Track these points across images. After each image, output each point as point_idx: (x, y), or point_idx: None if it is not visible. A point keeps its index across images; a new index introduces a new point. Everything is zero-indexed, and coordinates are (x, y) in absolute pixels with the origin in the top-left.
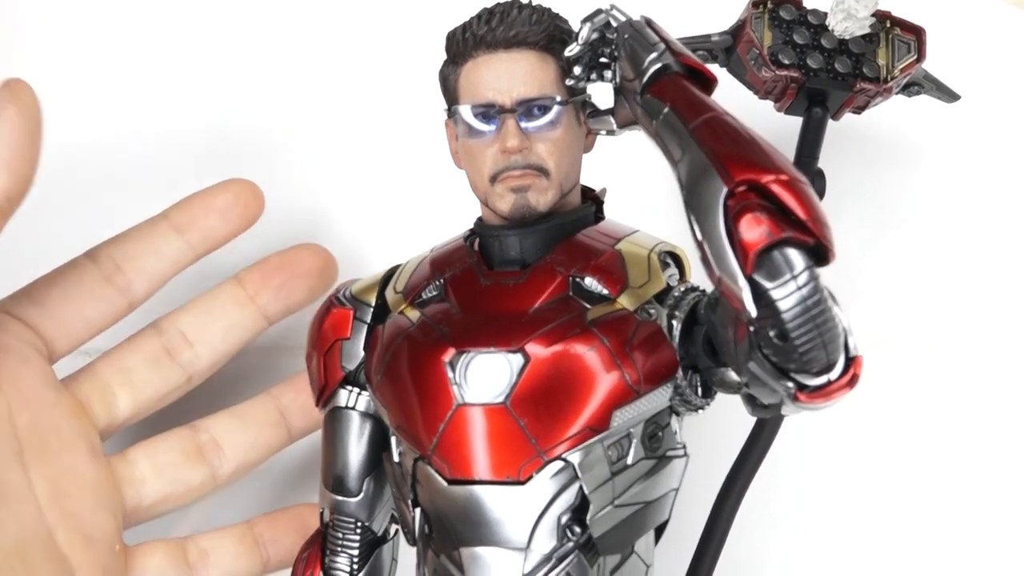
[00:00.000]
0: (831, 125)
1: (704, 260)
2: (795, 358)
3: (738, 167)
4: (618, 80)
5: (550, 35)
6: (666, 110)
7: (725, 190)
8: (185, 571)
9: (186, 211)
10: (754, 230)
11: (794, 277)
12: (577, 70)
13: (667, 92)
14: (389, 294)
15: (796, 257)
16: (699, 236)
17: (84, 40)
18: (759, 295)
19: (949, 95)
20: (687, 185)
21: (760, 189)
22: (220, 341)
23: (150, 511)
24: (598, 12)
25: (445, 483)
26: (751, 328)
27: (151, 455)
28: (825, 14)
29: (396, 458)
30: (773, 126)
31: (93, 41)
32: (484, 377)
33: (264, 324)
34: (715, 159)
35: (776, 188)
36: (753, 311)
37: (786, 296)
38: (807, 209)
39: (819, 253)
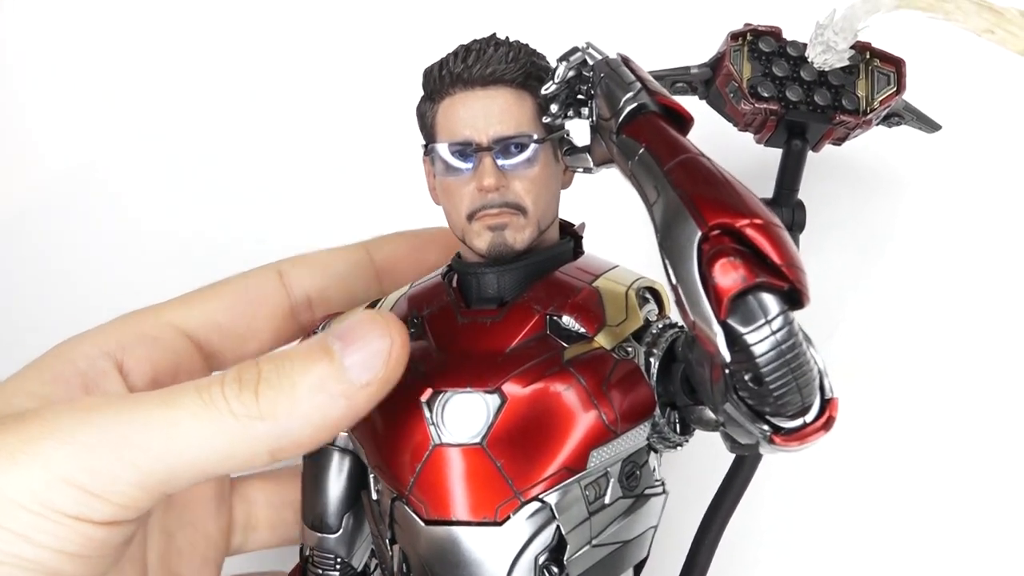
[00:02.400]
0: (813, 155)
1: (679, 303)
2: (770, 402)
3: (712, 211)
4: (595, 118)
5: (527, 72)
6: (641, 150)
7: (699, 234)
8: None
9: None
10: (728, 275)
11: (768, 322)
12: (554, 108)
13: (642, 132)
14: None
15: (771, 302)
16: (673, 280)
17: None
18: (733, 340)
19: (930, 125)
20: (661, 228)
21: (735, 233)
22: None
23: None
24: (574, 50)
25: (422, 523)
26: (726, 371)
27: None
28: (804, 46)
29: (374, 496)
30: (753, 158)
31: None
32: (461, 417)
33: None
34: (689, 202)
35: (751, 232)
36: (727, 356)
37: (760, 341)
38: (782, 253)
39: (794, 297)
